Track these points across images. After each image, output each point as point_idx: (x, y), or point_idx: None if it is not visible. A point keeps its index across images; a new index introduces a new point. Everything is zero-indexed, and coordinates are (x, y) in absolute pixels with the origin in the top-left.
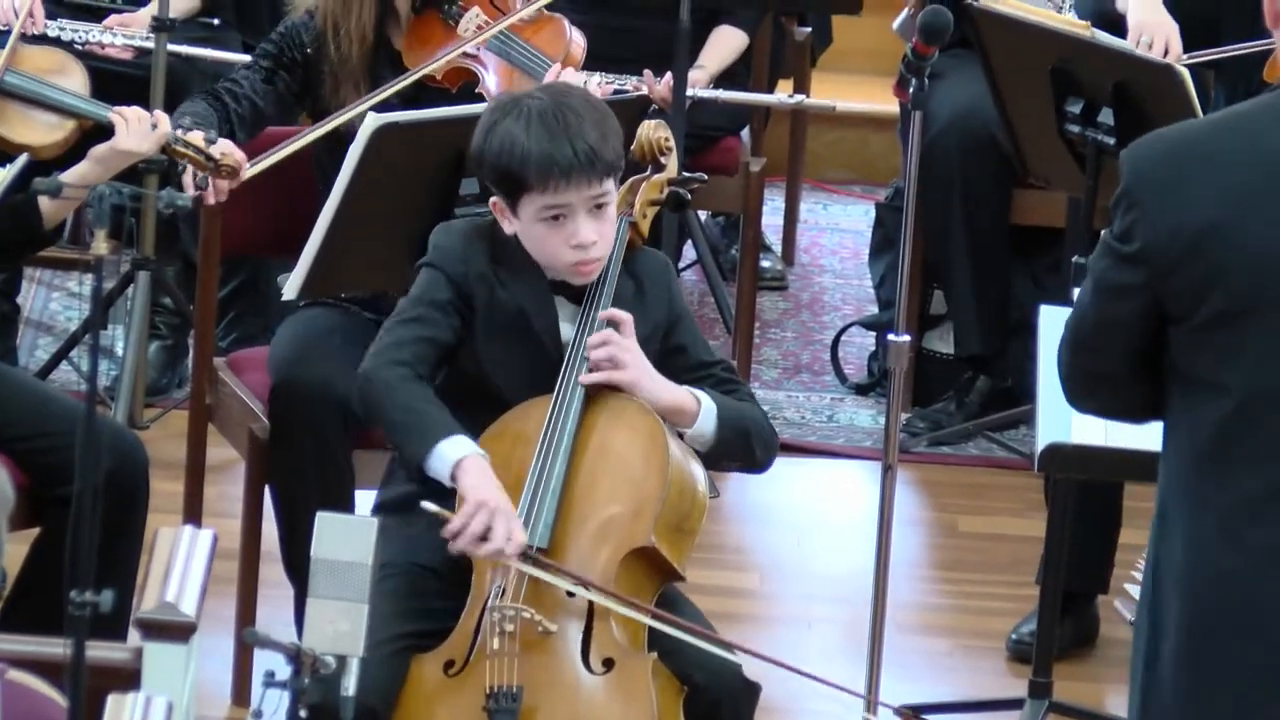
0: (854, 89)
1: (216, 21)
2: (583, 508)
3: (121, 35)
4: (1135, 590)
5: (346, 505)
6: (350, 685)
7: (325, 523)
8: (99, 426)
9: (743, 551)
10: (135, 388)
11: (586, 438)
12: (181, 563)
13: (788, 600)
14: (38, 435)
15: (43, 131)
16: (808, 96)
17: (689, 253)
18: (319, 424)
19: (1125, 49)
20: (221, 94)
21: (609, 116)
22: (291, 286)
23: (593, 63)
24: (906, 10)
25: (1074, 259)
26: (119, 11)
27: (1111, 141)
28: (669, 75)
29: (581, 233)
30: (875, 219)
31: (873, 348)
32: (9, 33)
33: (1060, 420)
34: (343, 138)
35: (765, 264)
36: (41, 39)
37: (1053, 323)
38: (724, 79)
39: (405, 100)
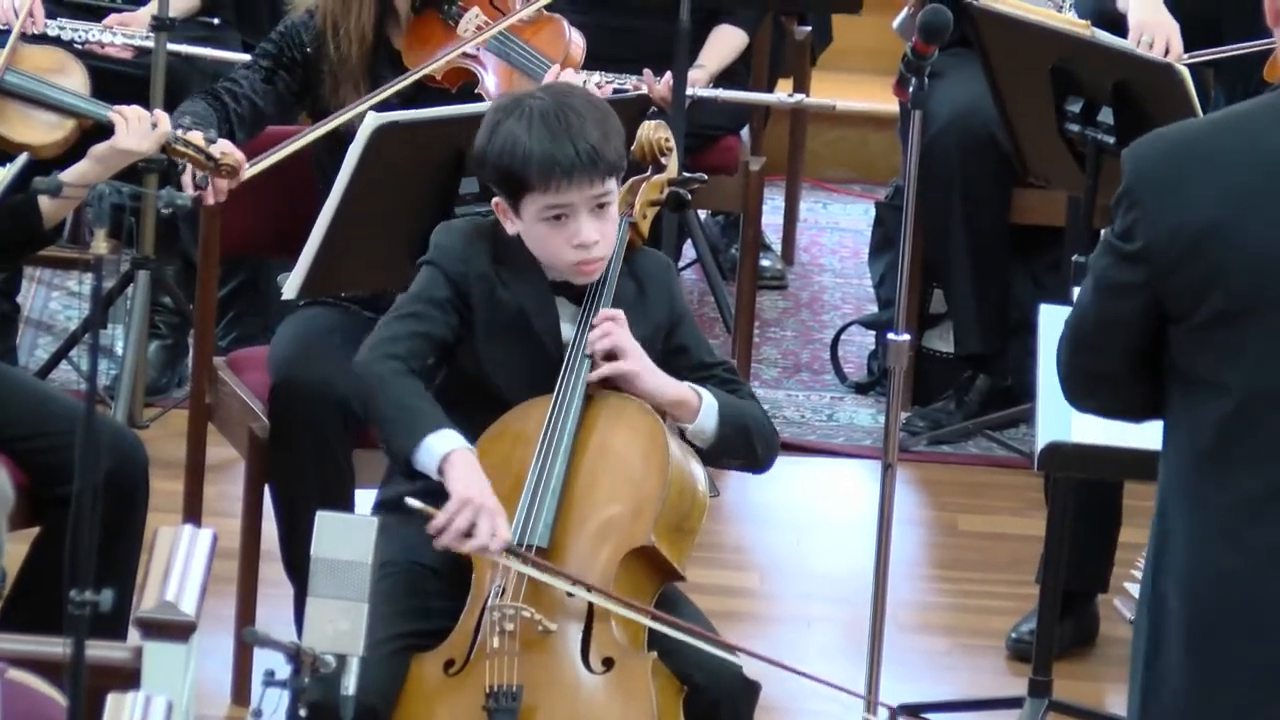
0: (854, 88)
1: (216, 21)
2: (583, 507)
3: (121, 34)
4: (1135, 589)
5: (346, 504)
6: (350, 684)
7: (325, 522)
8: (99, 426)
9: (742, 550)
10: (135, 387)
11: (586, 437)
12: (181, 562)
13: (787, 599)
14: (37, 435)
15: (43, 131)
16: (807, 96)
17: (689, 252)
18: (319, 423)
19: (1125, 48)
20: (221, 94)
21: (611, 116)
22: (291, 286)
23: (592, 62)
24: (906, 9)
25: (1074, 258)
26: (119, 11)
27: (1111, 141)
28: (669, 75)
29: (583, 232)
30: (875, 218)
31: (872, 347)
32: (9, 32)
33: (1060, 419)
34: (343, 138)
35: (765, 263)
36: (41, 38)
37: (1053, 322)
38: (724, 78)
39: (404, 100)
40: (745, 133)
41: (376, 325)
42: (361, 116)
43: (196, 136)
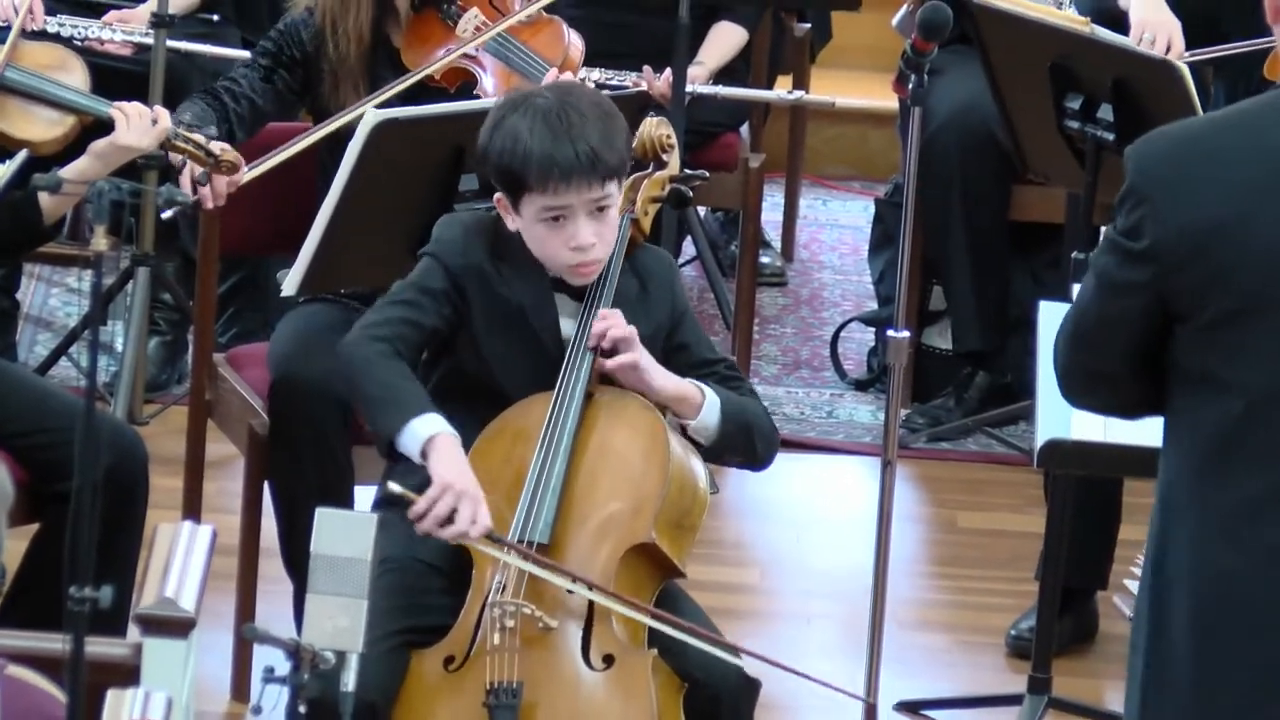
0: (853, 85)
1: (216, 17)
2: (583, 504)
3: (121, 31)
4: (1134, 586)
5: (346, 501)
6: (350, 681)
7: (325, 518)
8: (98, 422)
9: (742, 547)
10: (135, 384)
11: (587, 434)
12: (181, 558)
13: (787, 596)
14: (37, 431)
15: (43, 127)
16: (807, 92)
17: (688, 249)
18: (318, 420)
19: (1124, 45)
20: (220, 93)
21: (616, 118)
22: (291, 283)
23: (592, 59)
24: (906, 6)
25: (1073, 255)
26: (118, 7)
27: (1111, 137)
28: (668, 71)
29: (580, 235)
30: (875, 215)
31: (872, 343)
32: (9, 29)
33: (1059, 416)
34: (343, 136)
35: (765, 260)
36: (41, 35)
37: (1052, 319)
38: (723, 75)
39: (403, 98)
40: (745, 129)
41: (369, 309)
42: (361, 116)
43: (196, 133)
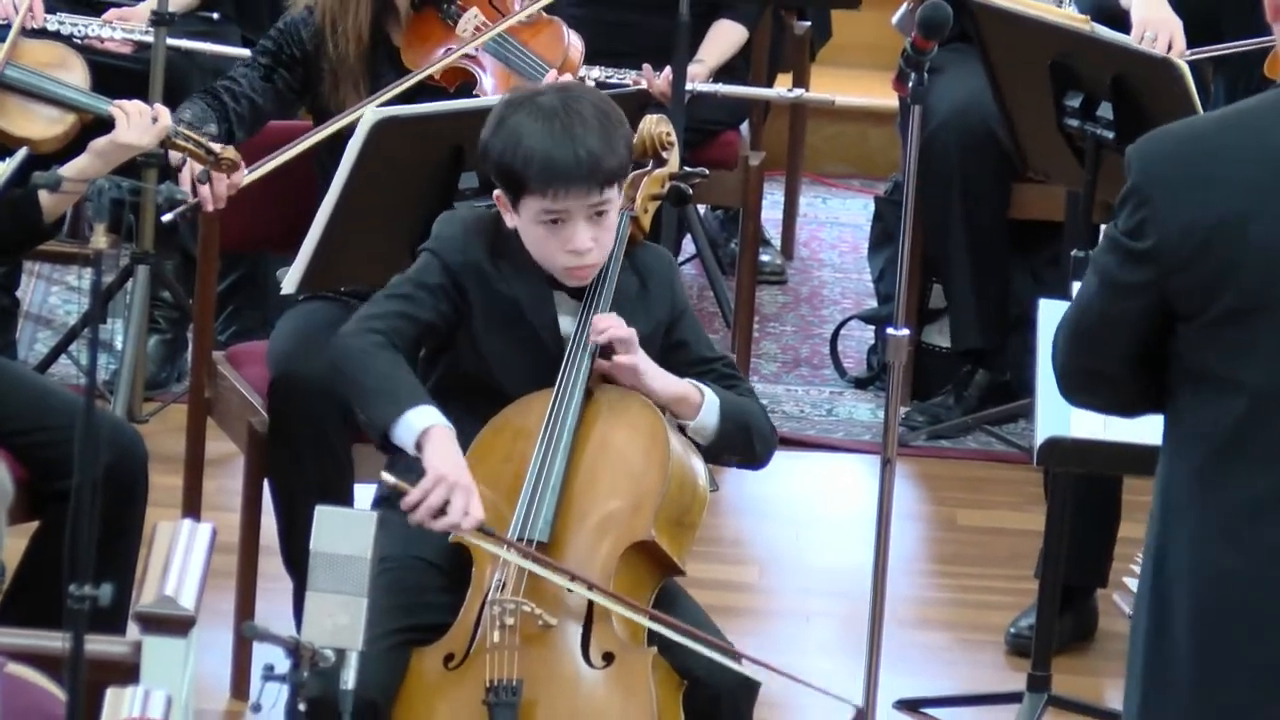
0: (853, 83)
1: (216, 16)
2: (583, 502)
3: (121, 29)
4: (1134, 584)
5: (345, 499)
6: (349, 679)
7: (324, 516)
8: (98, 420)
9: (741, 545)
10: (134, 382)
11: (587, 432)
12: (180, 556)
13: (786, 594)
14: (37, 429)
15: (43, 125)
16: (807, 91)
17: (688, 246)
18: (318, 418)
19: (1124, 43)
20: (220, 93)
21: (617, 123)
22: (290, 281)
23: (593, 57)
24: (906, 5)
25: (1073, 253)
26: (118, 5)
27: (1111, 136)
28: (668, 69)
29: (577, 239)
30: (874, 213)
31: (872, 341)
32: (9, 27)
33: (1059, 414)
34: (343, 135)
35: (764, 258)
36: (41, 33)
37: (1052, 317)
38: (723, 73)
39: (402, 97)
40: (745, 128)
41: (366, 303)
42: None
43: (196, 131)
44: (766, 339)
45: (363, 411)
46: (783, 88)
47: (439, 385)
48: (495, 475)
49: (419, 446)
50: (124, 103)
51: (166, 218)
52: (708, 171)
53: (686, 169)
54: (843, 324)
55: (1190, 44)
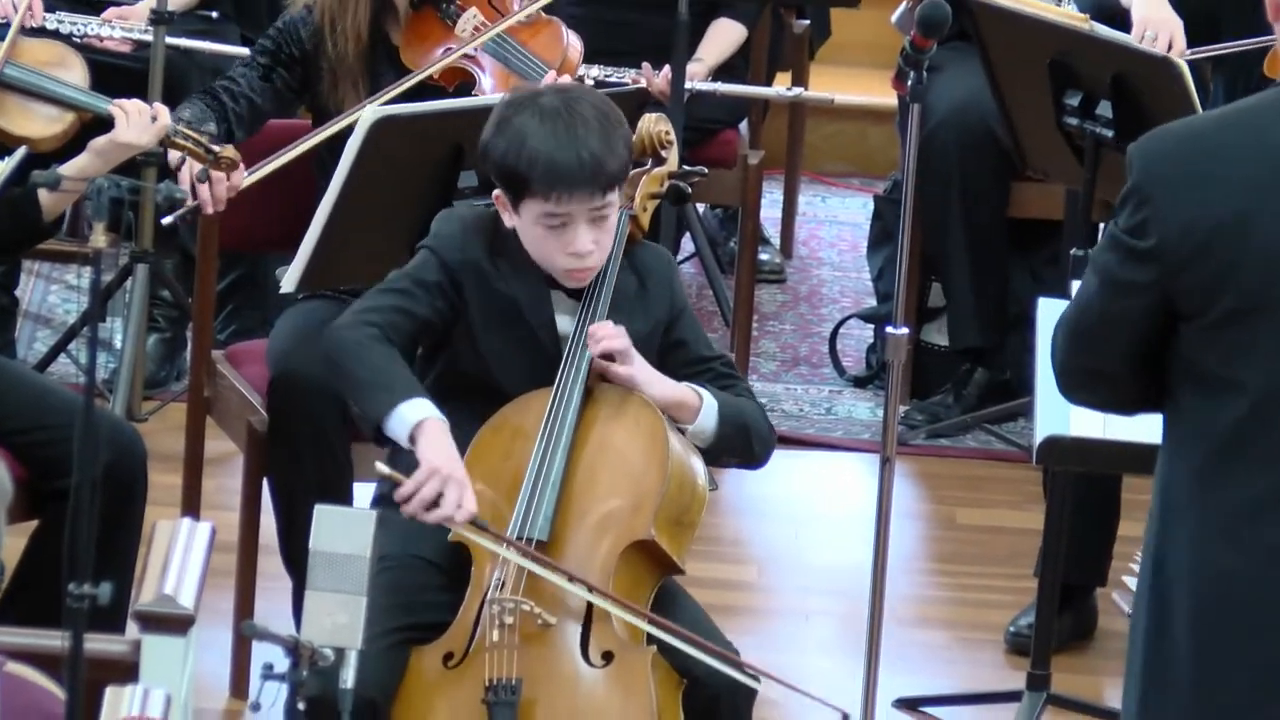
0: (852, 82)
1: (215, 14)
2: (582, 501)
3: (120, 28)
4: (1133, 583)
5: (345, 498)
6: (349, 678)
7: (323, 515)
8: (97, 419)
9: (740, 544)
10: (134, 380)
11: (586, 431)
12: (180, 555)
13: (785, 593)
14: (36, 428)
15: (42, 124)
16: (806, 89)
17: (687, 245)
18: (317, 417)
19: (1124, 42)
20: (219, 93)
21: (619, 125)
22: (290, 279)
23: (593, 56)
24: (905, 3)
25: (1072, 252)
26: (118, 4)
27: (1110, 134)
28: (667, 68)
29: (579, 242)
30: (873, 212)
31: (871, 340)
32: (9, 25)
33: (1058, 412)
34: (343, 134)
35: (763, 257)
36: (41, 31)
37: (1051, 315)
38: (722, 72)
39: (400, 95)
40: (744, 126)
41: (362, 296)
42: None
43: (195, 130)
44: (765, 338)
45: (356, 403)
46: (782, 86)
47: (437, 384)
48: (495, 474)
49: (412, 439)
50: (123, 101)
51: (166, 220)
52: (707, 170)
53: (685, 168)
54: (842, 323)
55: (1190, 43)
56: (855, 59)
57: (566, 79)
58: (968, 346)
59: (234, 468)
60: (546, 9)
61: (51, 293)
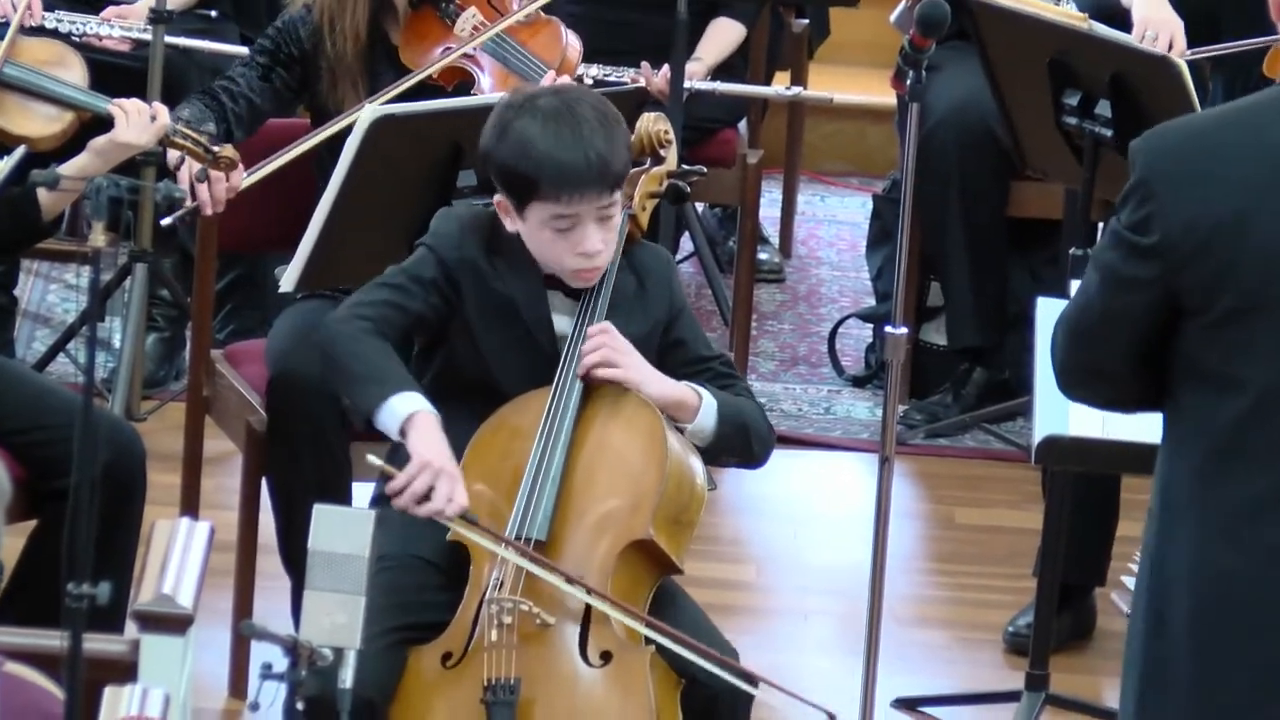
0: (851, 81)
1: (214, 13)
2: (581, 501)
3: (119, 27)
4: (1132, 582)
5: (344, 497)
6: (347, 677)
7: (322, 515)
8: (96, 419)
9: (739, 544)
10: (132, 380)
11: (585, 431)
12: (178, 555)
13: (784, 593)
14: (35, 428)
15: (41, 123)
16: (805, 89)
17: (686, 245)
18: (316, 416)
19: (1123, 41)
20: (218, 93)
21: (619, 124)
22: (289, 279)
23: (593, 56)
24: (904, 2)
25: (1071, 251)
26: (117, 3)
27: (1109, 134)
28: (666, 67)
29: (588, 242)
30: (872, 211)
31: (870, 340)
32: (8, 25)
33: (1057, 412)
34: (343, 135)
35: (762, 256)
36: (40, 31)
37: (1050, 315)
38: (721, 71)
39: (399, 96)
40: (743, 125)
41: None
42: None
43: (194, 130)
44: (764, 337)
45: (348, 396)
46: (781, 86)
47: (435, 384)
48: (493, 474)
49: (403, 432)
50: (122, 101)
51: (166, 221)
52: (706, 169)
53: (684, 167)
54: (841, 322)
55: (1189, 43)
56: (854, 58)
57: (566, 79)
58: (966, 346)
59: (233, 467)
60: (545, 8)
61: (50, 292)
